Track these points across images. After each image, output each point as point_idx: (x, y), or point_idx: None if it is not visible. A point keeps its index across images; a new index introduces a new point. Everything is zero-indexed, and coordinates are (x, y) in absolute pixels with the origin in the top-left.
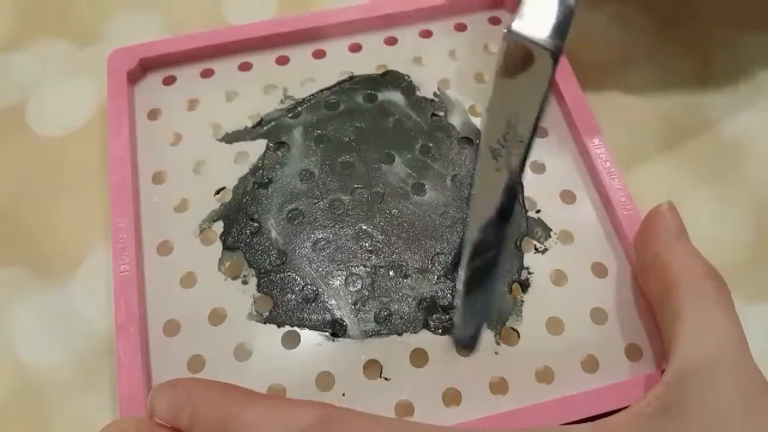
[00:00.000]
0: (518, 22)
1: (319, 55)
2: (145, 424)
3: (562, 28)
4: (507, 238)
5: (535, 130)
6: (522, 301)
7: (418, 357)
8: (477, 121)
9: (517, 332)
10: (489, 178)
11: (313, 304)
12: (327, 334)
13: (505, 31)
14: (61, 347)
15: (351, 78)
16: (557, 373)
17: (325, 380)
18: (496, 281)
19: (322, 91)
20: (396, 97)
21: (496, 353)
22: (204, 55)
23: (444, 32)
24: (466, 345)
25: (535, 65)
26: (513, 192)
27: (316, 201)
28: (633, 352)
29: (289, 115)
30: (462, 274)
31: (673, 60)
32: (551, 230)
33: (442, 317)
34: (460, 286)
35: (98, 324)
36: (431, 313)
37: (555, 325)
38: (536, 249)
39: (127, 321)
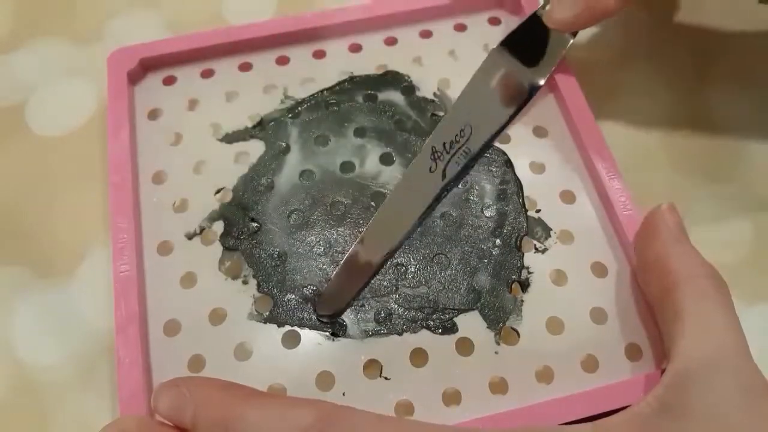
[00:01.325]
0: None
1: (319, 55)
2: (146, 422)
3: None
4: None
5: (485, 149)
6: (522, 301)
7: (418, 357)
8: None
9: (517, 332)
10: (417, 174)
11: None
12: (327, 333)
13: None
14: (61, 347)
15: (351, 78)
16: (557, 373)
17: (325, 380)
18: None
19: (322, 91)
20: (396, 97)
21: (496, 353)
22: (204, 55)
23: (444, 32)
24: (325, 317)
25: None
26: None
27: (316, 201)
28: (633, 352)
29: (289, 115)
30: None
31: (673, 60)
32: (551, 230)
33: (442, 317)
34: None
35: (98, 324)
36: (431, 313)
37: (555, 325)
38: (536, 249)
39: (127, 321)
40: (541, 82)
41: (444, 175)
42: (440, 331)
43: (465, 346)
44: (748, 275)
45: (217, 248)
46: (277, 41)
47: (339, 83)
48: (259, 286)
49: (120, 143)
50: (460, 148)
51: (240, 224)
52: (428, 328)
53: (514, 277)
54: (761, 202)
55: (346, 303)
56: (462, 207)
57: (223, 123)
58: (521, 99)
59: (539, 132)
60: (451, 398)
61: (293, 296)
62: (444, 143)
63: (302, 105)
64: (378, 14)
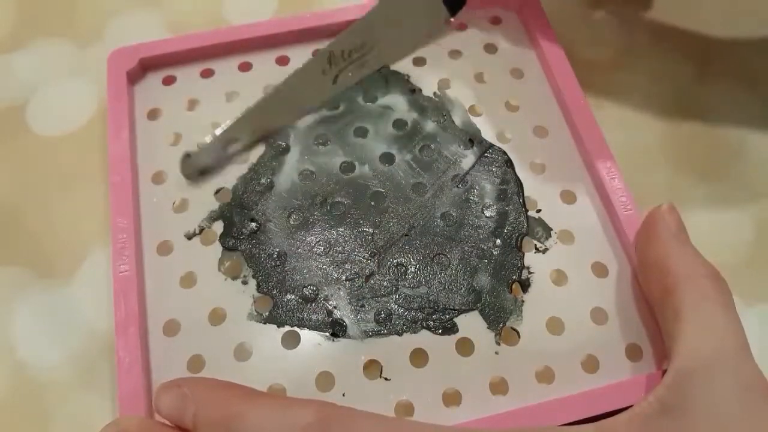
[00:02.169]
0: None
1: None
2: (146, 423)
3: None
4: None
5: (380, 68)
6: (522, 301)
7: (418, 357)
8: (477, 121)
9: (518, 332)
10: (309, 73)
11: (313, 304)
12: (327, 334)
13: None
14: (61, 347)
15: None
16: (557, 373)
17: (325, 380)
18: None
19: None
20: (396, 97)
21: (496, 353)
22: (204, 55)
23: (444, 32)
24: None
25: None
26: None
27: (316, 201)
28: (633, 352)
29: None
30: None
31: (672, 59)
32: (552, 230)
33: (442, 317)
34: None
35: (98, 324)
36: (431, 313)
37: (555, 325)
38: (537, 249)
39: (127, 321)
40: (452, 18)
41: (335, 81)
42: (440, 331)
43: (465, 347)
44: (747, 275)
45: (216, 248)
46: (277, 41)
47: None
48: (258, 286)
49: (120, 143)
50: (357, 59)
51: (240, 224)
52: (428, 328)
53: (514, 277)
54: (761, 202)
55: (207, 171)
56: (462, 207)
57: (223, 123)
58: (429, 29)
59: (539, 132)
60: (452, 398)
61: (293, 296)
62: (343, 51)
63: None
64: None
